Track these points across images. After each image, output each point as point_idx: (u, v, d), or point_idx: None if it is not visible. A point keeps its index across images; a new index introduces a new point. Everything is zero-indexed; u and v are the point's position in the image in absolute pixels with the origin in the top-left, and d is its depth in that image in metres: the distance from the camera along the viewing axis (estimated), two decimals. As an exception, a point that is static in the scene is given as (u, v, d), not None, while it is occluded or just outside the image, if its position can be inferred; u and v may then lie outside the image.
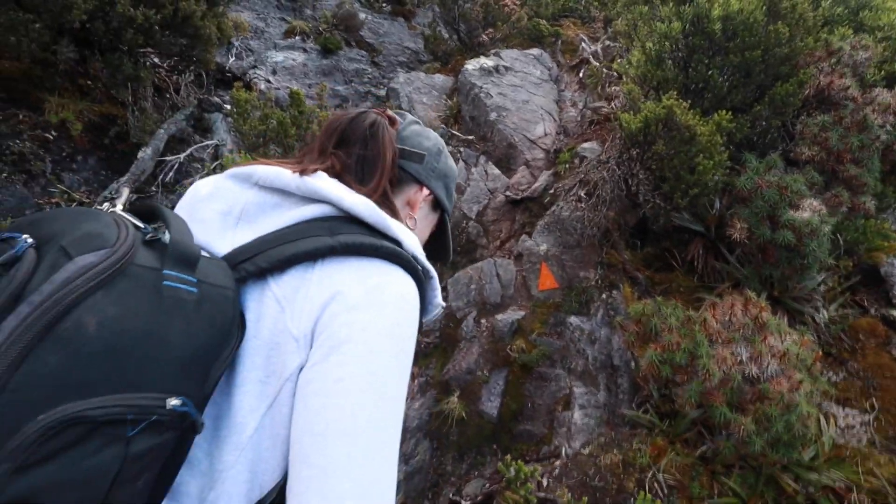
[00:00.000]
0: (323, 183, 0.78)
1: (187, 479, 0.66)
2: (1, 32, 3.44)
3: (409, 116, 1.00)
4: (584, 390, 3.05)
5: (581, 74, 6.46)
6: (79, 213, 0.65)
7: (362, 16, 8.41)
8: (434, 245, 1.01)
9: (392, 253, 0.74)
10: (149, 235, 0.64)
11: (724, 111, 2.59)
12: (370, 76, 7.80)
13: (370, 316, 0.69)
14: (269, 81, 6.08)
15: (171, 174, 4.10)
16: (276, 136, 3.72)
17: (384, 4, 9.52)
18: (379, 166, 0.86)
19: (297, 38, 7.42)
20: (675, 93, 2.58)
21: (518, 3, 8.66)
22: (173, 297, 0.60)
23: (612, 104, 5.36)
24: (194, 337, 0.61)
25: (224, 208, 0.80)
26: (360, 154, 0.87)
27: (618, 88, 5.72)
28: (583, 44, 6.72)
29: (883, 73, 3.15)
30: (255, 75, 5.89)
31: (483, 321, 3.56)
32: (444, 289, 4.03)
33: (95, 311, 0.54)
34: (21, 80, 3.96)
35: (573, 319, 3.40)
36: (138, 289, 0.58)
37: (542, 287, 3.71)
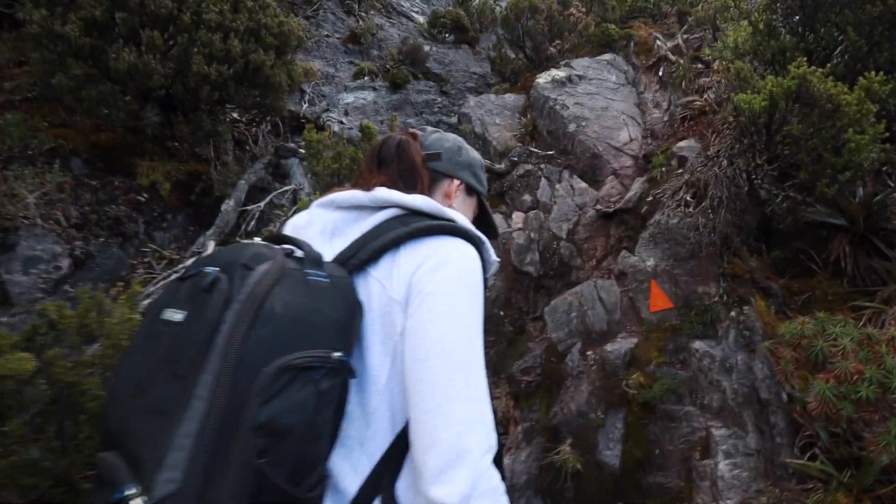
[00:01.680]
0: (386, 192, 1.01)
1: (347, 427, 0.88)
2: (94, 105, 3.61)
3: (430, 129, 1.25)
4: (727, 432, 2.53)
5: (661, 73, 5.95)
6: (240, 245, 0.94)
7: (427, 48, 8.41)
8: (479, 225, 1.11)
9: (452, 229, 0.97)
10: (287, 252, 0.89)
11: (872, 73, 2.07)
12: (440, 105, 7.71)
13: (446, 273, 0.92)
14: (342, 122, 6.12)
15: (252, 223, 4.10)
16: (350, 172, 3.59)
17: (447, 35, 9.53)
18: (416, 173, 1.10)
19: (365, 78, 7.51)
20: (808, 62, 2.11)
21: (584, 10, 8.30)
22: (317, 286, 0.86)
23: (705, 96, 4.82)
24: (337, 310, 0.87)
25: (320, 229, 1.04)
26: (399, 169, 1.10)
27: (708, 80, 5.17)
28: (658, 41, 6.21)
29: None
30: (329, 118, 5.94)
31: (590, 353, 3.14)
32: (540, 318, 3.65)
33: (278, 298, 0.80)
34: (115, 149, 4.16)
35: (698, 344, 2.89)
36: (296, 283, 0.84)
37: (653, 308, 3.23)
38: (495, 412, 0.95)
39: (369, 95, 7.01)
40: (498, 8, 10.53)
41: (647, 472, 2.68)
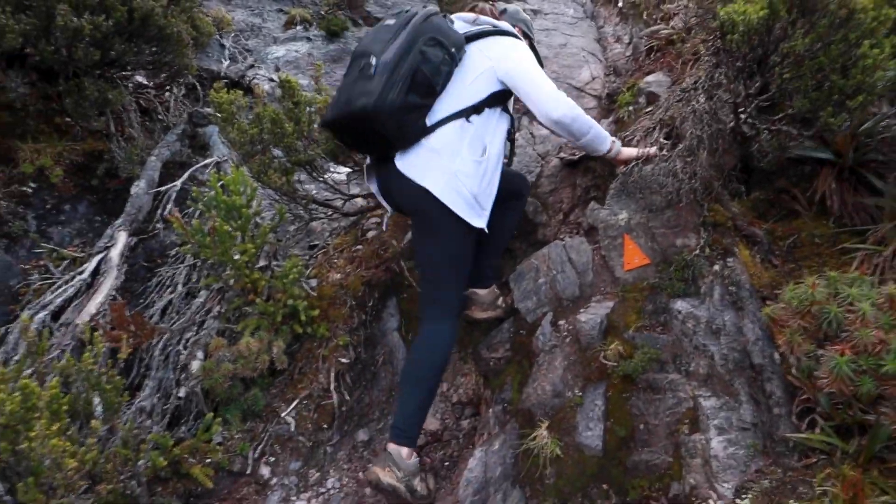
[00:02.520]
0: (485, 18, 2.60)
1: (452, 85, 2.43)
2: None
3: (507, 4, 2.94)
4: (718, 403, 2.26)
5: (620, 4, 5.47)
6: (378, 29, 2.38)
7: (364, -11, 7.63)
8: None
9: (515, 34, 2.58)
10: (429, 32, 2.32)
11: (886, -27, 1.68)
12: (383, 54, 7.06)
13: (514, 44, 2.51)
14: (272, 80, 5.47)
15: (170, 205, 3.56)
16: (273, 137, 3.07)
17: (386, -27, 8.70)
18: (494, 17, 2.67)
19: (297, 27, 6.76)
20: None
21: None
22: (452, 27, 2.45)
23: (672, 24, 4.38)
24: (458, 37, 2.41)
25: (460, 26, 2.50)
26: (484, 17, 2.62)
27: (673, 5, 4.72)
28: (616, -32, 5.67)
29: None
30: (256, 76, 5.28)
31: (562, 323, 2.81)
32: (506, 285, 3.29)
33: (440, 21, 2.39)
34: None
35: (680, 304, 2.58)
36: (448, 23, 2.44)
37: (628, 266, 2.90)
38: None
39: (303, 47, 6.31)
40: (440, -58, 9.68)
41: (633, 450, 2.41)
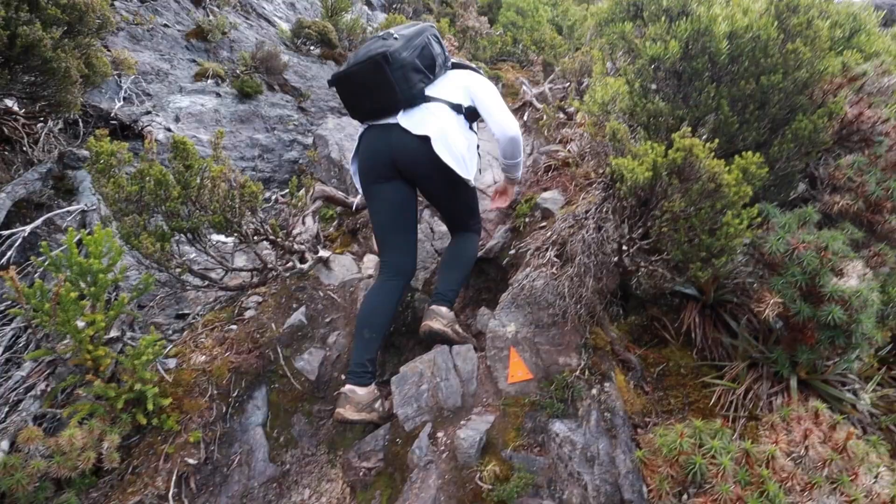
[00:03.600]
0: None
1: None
2: None
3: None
4: (588, 538, 2.21)
5: (525, 118, 5.93)
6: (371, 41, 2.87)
7: (286, 58, 7.64)
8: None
9: (479, 70, 3.28)
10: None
11: (748, 152, 1.94)
12: (296, 123, 6.97)
13: (480, 77, 3.13)
14: (169, 130, 5.12)
15: (11, 252, 3.04)
16: (156, 199, 2.78)
17: (311, 47, 8.84)
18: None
19: (208, 81, 6.51)
20: (690, 130, 1.91)
21: (456, 45, 8.21)
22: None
23: (568, 147, 4.80)
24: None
25: None
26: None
27: (571, 131, 5.20)
28: (524, 87, 6.24)
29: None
30: (151, 122, 4.91)
31: (441, 435, 2.68)
32: (387, 383, 3.13)
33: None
34: None
35: (558, 426, 2.58)
36: (439, 43, 3.15)
37: (512, 379, 2.89)
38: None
39: (210, 102, 6.05)
40: (369, 28, 10.11)
41: (500, 584, 2.26)
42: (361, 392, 2.82)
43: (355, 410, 2.76)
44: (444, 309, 3.03)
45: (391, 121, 2.82)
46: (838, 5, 3.24)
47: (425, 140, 2.72)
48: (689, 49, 2.16)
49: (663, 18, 2.21)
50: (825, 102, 2.37)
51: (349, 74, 2.79)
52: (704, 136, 2.26)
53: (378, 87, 2.72)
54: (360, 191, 3.13)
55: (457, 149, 2.83)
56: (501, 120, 2.94)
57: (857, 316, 2.07)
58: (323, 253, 3.82)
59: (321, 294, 3.68)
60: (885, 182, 2.25)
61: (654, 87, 2.34)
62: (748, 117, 2.20)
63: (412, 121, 2.78)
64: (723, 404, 2.78)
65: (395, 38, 2.76)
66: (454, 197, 3.10)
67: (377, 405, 2.84)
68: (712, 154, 1.85)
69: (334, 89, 3.03)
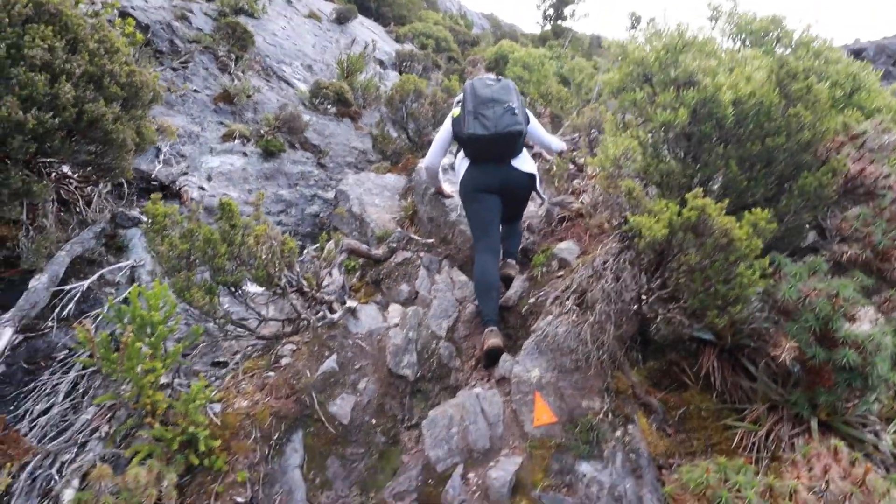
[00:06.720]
0: None
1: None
2: None
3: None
4: (619, 576, 2.30)
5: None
6: (487, 85, 3.88)
7: (306, 118, 8.11)
8: None
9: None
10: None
11: (758, 209, 2.16)
12: (317, 178, 7.33)
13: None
14: (202, 189, 5.46)
15: (70, 305, 3.27)
16: (204, 255, 3.03)
17: (329, 106, 9.35)
18: None
19: (235, 141, 6.94)
20: (702, 190, 2.14)
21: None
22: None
23: (581, 199, 5.06)
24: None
25: None
26: None
27: (581, 183, 5.48)
28: (535, 139, 6.55)
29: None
30: (187, 182, 5.25)
31: (472, 476, 2.80)
32: (416, 426, 3.26)
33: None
34: None
35: (584, 467, 2.70)
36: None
37: (537, 423, 3.02)
38: None
39: (238, 161, 6.44)
40: (383, 87, 10.67)
41: None
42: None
43: (501, 341, 3.49)
44: (512, 262, 4.27)
45: (508, 162, 3.90)
46: (838, 66, 3.48)
47: (531, 176, 3.94)
48: (697, 114, 2.43)
49: (671, 88, 2.48)
50: (829, 159, 2.60)
51: (491, 137, 3.69)
52: (715, 195, 2.49)
53: (507, 146, 3.76)
54: (462, 195, 4.07)
55: (537, 177, 4.08)
56: (551, 142, 4.35)
57: (872, 359, 2.23)
58: (351, 303, 4.03)
59: (350, 342, 3.86)
60: (890, 232, 2.45)
61: (665, 149, 2.59)
62: (756, 175, 2.44)
63: (520, 163, 3.92)
64: (745, 446, 2.88)
65: (516, 113, 3.70)
66: (525, 204, 4.30)
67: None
68: (724, 211, 2.07)
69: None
